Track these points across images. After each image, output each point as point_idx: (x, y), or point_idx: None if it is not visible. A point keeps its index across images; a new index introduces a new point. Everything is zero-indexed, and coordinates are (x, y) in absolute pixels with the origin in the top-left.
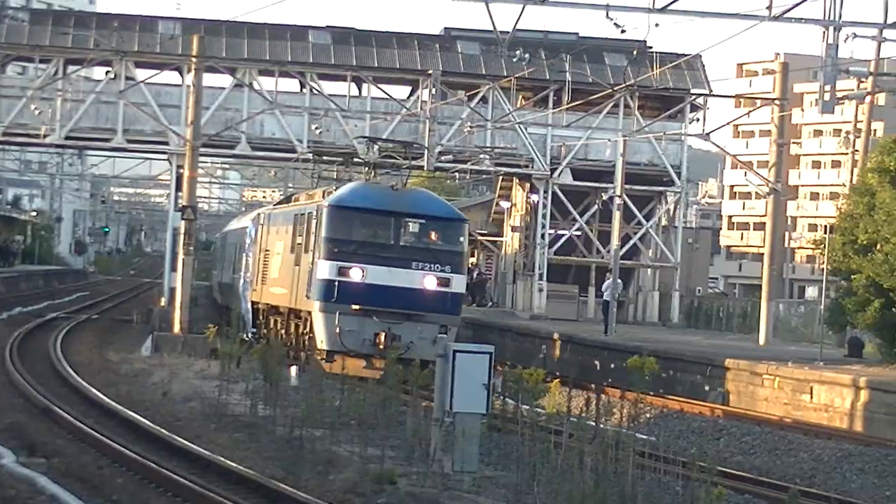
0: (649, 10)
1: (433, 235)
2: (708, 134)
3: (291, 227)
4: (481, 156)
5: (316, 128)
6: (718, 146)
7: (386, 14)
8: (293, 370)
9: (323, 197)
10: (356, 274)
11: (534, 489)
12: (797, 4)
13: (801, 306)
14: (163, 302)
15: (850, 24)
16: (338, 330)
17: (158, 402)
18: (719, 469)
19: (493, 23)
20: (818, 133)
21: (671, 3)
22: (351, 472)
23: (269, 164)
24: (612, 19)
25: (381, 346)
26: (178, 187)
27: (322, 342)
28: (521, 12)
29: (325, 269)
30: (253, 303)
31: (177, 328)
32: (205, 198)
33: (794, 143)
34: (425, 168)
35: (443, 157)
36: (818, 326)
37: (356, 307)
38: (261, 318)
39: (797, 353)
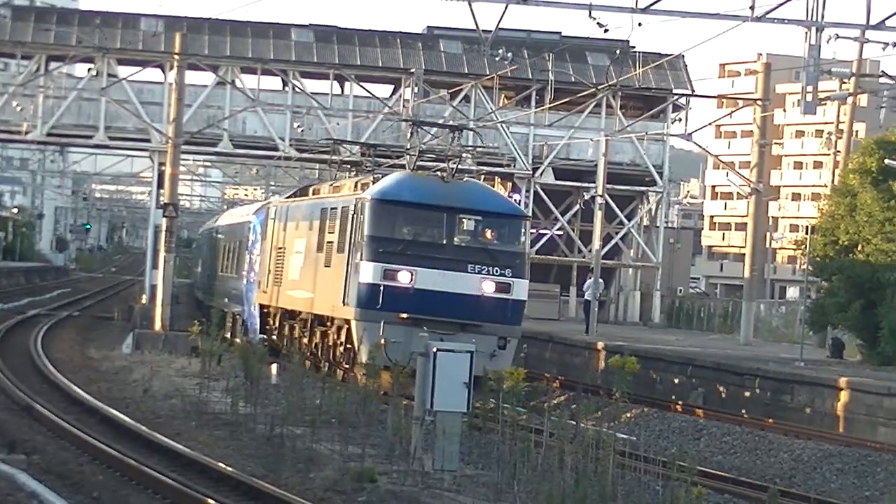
0: (632, 9)
1: (491, 234)
2: (690, 134)
3: (318, 222)
4: (463, 155)
5: (298, 126)
6: (700, 146)
7: (369, 12)
8: (273, 368)
9: (357, 188)
10: (404, 277)
11: (514, 488)
12: (780, 5)
13: (782, 307)
14: (144, 299)
15: (833, 24)
16: (382, 342)
17: (139, 400)
18: (699, 469)
19: (475, 22)
20: (800, 134)
21: (654, 2)
22: (331, 470)
23: (251, 161)
24: (594, 19)
25: None
26: (160, 184)
27: (363, 355)
28: (504, 11)
29: (367, 272)
30: (262, 306)
31: (158, 326)
32: (186, 195)
33: (775, 143)
34: (407, 167)
35: (425, 156)
36: (799, 327)
37: (404, 316)
38: (272, 322)
39: (778, 353)
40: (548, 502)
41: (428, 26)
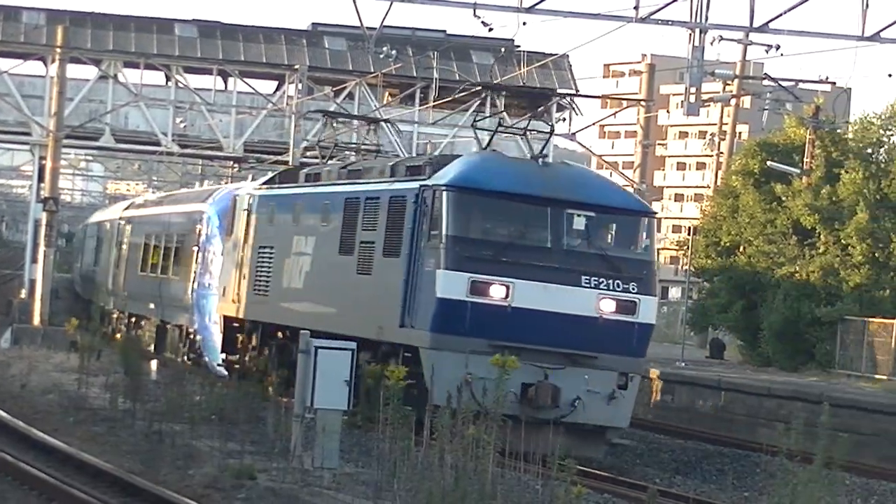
0: (517, 9)
1: (609, 236)
2: (574, 134)
3: (338, 215)
4: (346, 152)
5: (181, 121)
6: (584, 146)
7: (253, 8)
8: (153, 364)
9: (396, 173)
10: (498, 292)
11: (394, 486)
12: (664, 6)
13: (663, 307)
14: (23, 294)
15: (717, 26)
16: (467, 378)
17: (16, 395)
18: (579, 468)
19: (360, 19)
20: (683, 135)
21: (538, 2)
22: (211, 467)
23: (133, 156)
24: (479, 17)
25: (533, 404)
26: (41, 178)
27: (438, 395)
28: (389, 9)
29: (448, 285)
30: (229, 319)
31: (37, 320)
32: (68, 190)
33: (659, 144)
34: (290, 163)
35: (308, 154)
36: (680, 327)
37: (496, 343)
38: (247, 340)
39: (659, 353)
40: (427, 501)
41: (312, 23)
